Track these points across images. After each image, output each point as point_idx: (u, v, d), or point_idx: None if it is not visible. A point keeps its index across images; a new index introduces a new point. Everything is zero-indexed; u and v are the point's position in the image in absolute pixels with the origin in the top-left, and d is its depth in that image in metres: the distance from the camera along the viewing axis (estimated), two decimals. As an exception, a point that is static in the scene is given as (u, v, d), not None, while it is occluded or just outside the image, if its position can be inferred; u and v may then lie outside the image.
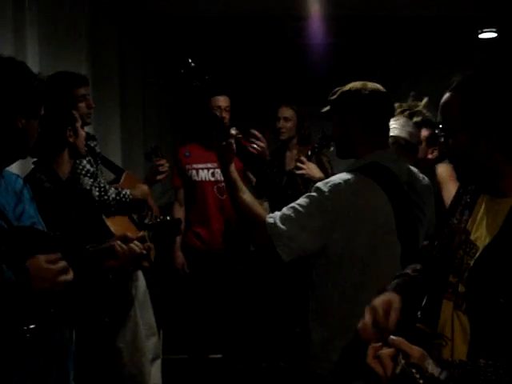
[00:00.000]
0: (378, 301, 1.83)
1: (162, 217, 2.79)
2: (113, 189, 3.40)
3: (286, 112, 4.58)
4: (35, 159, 2.96)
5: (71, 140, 2.94)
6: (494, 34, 6.27)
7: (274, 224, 2.32)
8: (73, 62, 4.40)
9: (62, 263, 1.91)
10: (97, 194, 3.29)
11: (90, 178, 3.30)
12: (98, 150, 3.71)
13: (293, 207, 2.36)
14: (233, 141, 2.44)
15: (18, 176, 2.17)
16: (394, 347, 1.47)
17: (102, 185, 3.34)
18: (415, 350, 1.46)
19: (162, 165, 3.89)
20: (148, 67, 6.39)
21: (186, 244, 4.62)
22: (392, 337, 1.49)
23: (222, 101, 4.44)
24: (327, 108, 2.58)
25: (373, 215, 2.37)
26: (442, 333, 1.73)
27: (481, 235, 1.71)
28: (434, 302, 1.77)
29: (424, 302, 1.80)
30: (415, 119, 3.11)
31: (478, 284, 1.64)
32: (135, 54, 6.03)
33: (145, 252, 2.22)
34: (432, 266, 1.90)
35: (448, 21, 6.09)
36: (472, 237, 1.74)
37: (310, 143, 4.38)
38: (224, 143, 2.43)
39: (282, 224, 2.31)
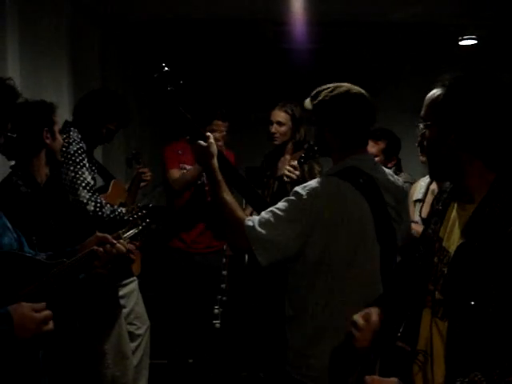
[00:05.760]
0: (357, 316, 1.92)
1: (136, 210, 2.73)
2: (108, 205, 3.39)
3: (279, 116, 4.26)
4: (13, 163, 2.93)
5: (48, 142, 2.91)
6: (474, 42, 6.32)
7: (253, 227, 2.31)
8: (54, 68, 4.37)
9: (46, 312, 1.89)
10: (92, 208, 3.29)
11: (88, 191, 3.30)
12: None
13: (272, 211, 2.36)
14: (212, 140, 2.42)
15: None
16: None
17: (98, 200, 3.33)
18: (387, 382, 1.51)
19: (144, 173, 3.89)
20: (129, 72, 6.37)
21: (168, 246, 4.60)
22: (366, 377, 1.56)
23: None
24: (309, 107, 2.57)
25: (351, 218, 2.38)
26: (423, 342, 1.74)
27: (453, 242, 1.72)
28: (416, 313, 1.79)
29: (408, 314, 1.83)
30: None
31: (451, 290, 1.65)
32: (117, 60, 6.00)
33: (123, 249, 2.22)
34: (412, 276, 1.93)
35: (429, 28, 6.14)
36: (444, 244, 1.76)
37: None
38: (204, 144, 2.41)
39: (261, 228, 2.31)
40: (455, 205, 1.79)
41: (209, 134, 2.45)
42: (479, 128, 1.66)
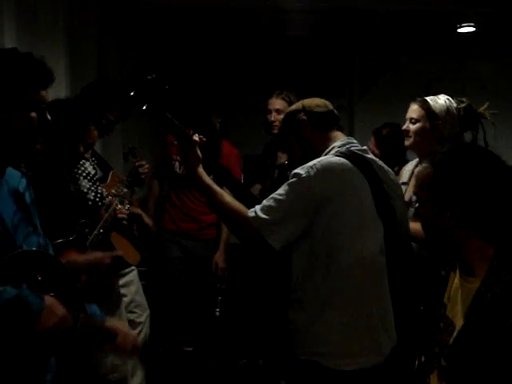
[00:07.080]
0: None
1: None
2: (110, 197, 3.40)
3: (278, 104, 4.16)
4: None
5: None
6: (472, 29, 6.32)
7: (257, 215, 2.35)
8: (51, 58, 4.35)
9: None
10: (92, 198, 3.31)
11: (89, 181, 3.33)
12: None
13: (273, 197, 2.40)
14: (197, 147, 2.45)
15: (22, 175, 2.09)
16: None
17: (99, 190, 3.36)
18: None
19: (142, 165, 3.92)
20: (127, 60, 6.34)
21: (164, 227, 4.68)
22: None
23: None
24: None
25: (352, 192, 2.41)
26: None
27: (456, 313, 1.78)
28: (424, 374, 1.87)
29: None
30: None
31: (456, 364, 1.71)
32: (114, 49, 5.97)
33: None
34: (421, 336, 1.99)
35: (427, 15, 6.13)
36: (448, 313, 1.82)
37: None
38: (188, 150, 2.44)
39: (265, 214, 2.35)
40: (457, 273, 1.83)
41: (195, 137, 2.47)
42: (473, 203, 1.69)
